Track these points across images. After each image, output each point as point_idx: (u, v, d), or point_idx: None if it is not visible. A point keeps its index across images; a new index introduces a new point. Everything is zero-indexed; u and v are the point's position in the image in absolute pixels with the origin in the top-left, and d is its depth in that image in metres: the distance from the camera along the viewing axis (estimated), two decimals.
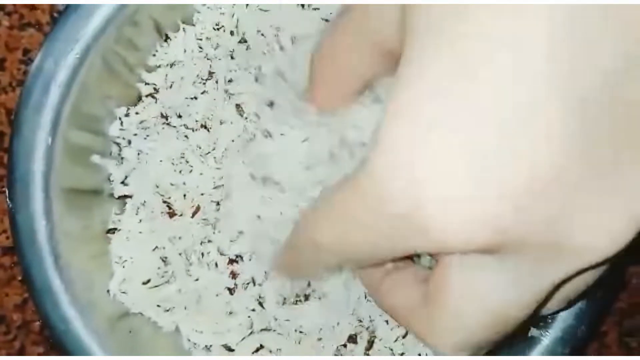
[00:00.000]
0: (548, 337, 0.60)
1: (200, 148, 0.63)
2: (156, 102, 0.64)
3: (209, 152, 0.62)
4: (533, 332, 0.61)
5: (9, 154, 0.59)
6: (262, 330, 0.65)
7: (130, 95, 0.65)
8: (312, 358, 0.64)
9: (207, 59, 0.63)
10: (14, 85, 0.71)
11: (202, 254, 0.64)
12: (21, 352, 0.73)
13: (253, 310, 0.64)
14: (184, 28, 0.63)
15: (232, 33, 0.62)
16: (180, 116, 0.64)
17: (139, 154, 0.64)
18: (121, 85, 0.64)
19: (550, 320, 0.59)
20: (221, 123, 0.62)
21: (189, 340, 0.66)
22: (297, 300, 0.65)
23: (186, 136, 0.63)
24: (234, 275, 0.64)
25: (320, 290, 0.64)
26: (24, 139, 0.59)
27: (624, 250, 0.25)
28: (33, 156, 0.59)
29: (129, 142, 0.65)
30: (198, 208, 0.63)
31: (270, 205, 0.54)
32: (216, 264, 0.64)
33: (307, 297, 0.64)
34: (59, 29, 0.58)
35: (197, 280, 0.64)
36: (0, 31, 0.71)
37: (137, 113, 0.65)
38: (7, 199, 0.59)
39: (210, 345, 0.66)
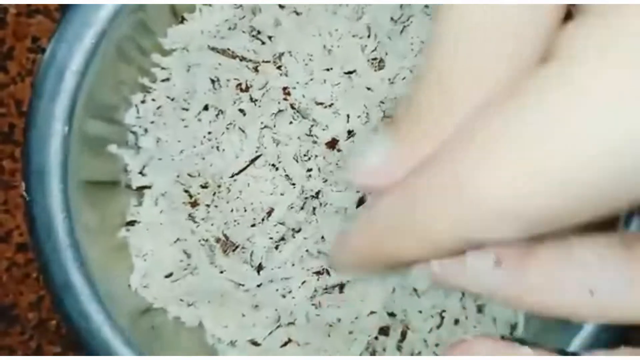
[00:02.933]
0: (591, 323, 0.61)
1: (223, 133, 0.64)
2: (174, 87, 0.65)
3: (229, 137, 0.63)
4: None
5: (24, 145, 0.60)
6: (289, 324, 0.66)
7: (146, 81, 0.66)
8: (333, 358, 0.64)
9: (222, 38, 0.64)
10: (23, 74, 0.73)
11: (227, 245, 0.65)
12: (37, 352, 0.75)
13: (281, 303, 0.65)
14: (200, 9, 0.64)
15: (253, 12, 0.63)
16: (199, 102, 0.65)
17: (157, 141, 0.66)
18: (136, 71, 0.66)
19: None
20: (240, 109, 0.63)
21: (213, 335, 0.68)
22: (327, 292, 0.66)
23: (209, 121, 0.64)
24: (260, 266, 0.65)
25: (354, 281, 0.65)
26: (38, 130, 0.61)
27: None
28: (49, 147, 0.61)
29: (146, 130, 0.66)
30: (219, 196, 0.64)
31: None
32: (244, 253, 0.65)
33: (342, 289, 0.65)
34: (72, 13, 0.59)
35: (221, 272, 0.65)
36: (7, 19, 0.72)
37: (153, 100, 0.66)
38: (24, 192, 0.60)
39: (236, 341, 0.68)
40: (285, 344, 0.66)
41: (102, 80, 0.62)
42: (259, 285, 0.65)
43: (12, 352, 0.73)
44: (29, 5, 0.70)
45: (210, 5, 0.64)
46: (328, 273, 0.65)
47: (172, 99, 0.65)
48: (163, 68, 0.66)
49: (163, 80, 0.66)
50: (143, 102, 0.66)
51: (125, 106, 0.66)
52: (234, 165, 0.64)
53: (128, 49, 0.64)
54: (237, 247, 0.65)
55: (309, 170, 0.64)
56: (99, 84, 0.62)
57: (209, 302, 0.66)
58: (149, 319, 0.66)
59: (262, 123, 0.64)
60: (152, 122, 0.66)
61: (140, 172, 0.67)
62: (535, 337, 0.65)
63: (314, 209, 0.65)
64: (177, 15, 0.65)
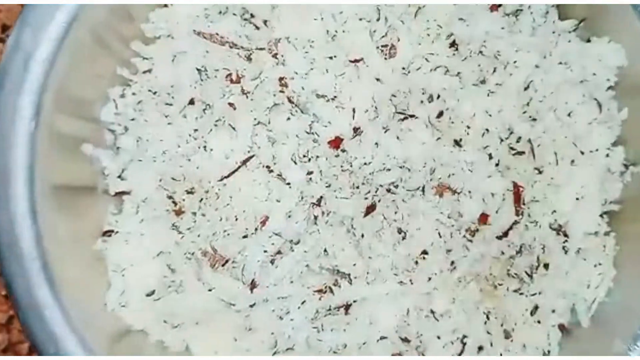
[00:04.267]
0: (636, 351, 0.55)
1: (211, 131, 0.58)
2: (156, 78, 0.60)
3: (217, 135, 0.58)
4: (617, 346, 0.56)
5: None
6: (287, 349, 0.60)
7: (126, 72, 0.60)
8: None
9: (212, 22, 0.59)
10: None
11: (216, 258, 0.59)
12: None
13: (278, 325, 0.59)
14: None
15: None
16: (184, 95, 0.59)
17: (137, 141, 0.60)
18: (114, 61, 0.60)
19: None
20: (229, 103, 0.57)
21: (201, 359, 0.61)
22: (331, 314, 0.60)
23: (195, 117, 0.59)
24: (253, 283, 0.59)
25: (362, 301, 0.59)
26: (1, 126, 0.55)
27: None
28: (13, 146, 0.55)
29: (126, 128, 0.61)
30: (207, 203, 0.59)
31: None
32: (235, 268, 0.59)
33: (347, 309, 0.59)
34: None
35: (210, 290, 0.60)
36: None
37: (133, 94, 0.61)
38: None
39: None
40: None
41: (75, 71, 0.57)
42: (252, 305, 0.59)
43: None
44: None
45: None
46: (332, 291, 0.59)
47: (155, 93, 0.60)
48: (145, 58, 0.61)
49: (145, 72, 0.61)
50: (122, 96, 0.61)
51: (102, 101, 0.61)
52: (223, 168, 0.58)
53: (106, 36, 0.59)
54: (227, 261, 0.59)
55: (309, 173, 0.58)
56: (71, 75, 0.57)
57: (197, 324, 0.60)
58: (128, 343, 0.60)
59: (255, 119, 0.58)
60: (133, 120, 0.60)
61: (119, 176, 0.61)
62: None
63: (316, 218, 0.59)
64: None
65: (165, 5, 0.60)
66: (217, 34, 0.57)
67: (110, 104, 0.61)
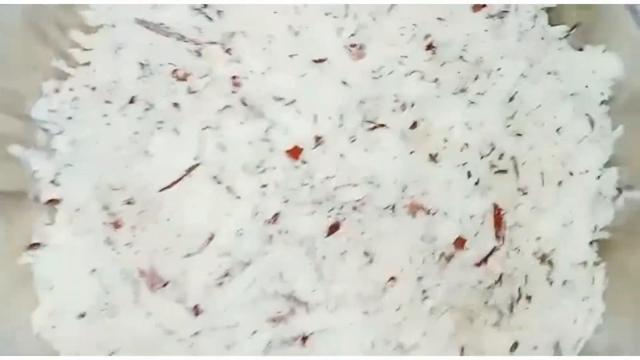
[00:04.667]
0: None
1: (153, 134, 0.52)
2: (95, 72, 0.54)
3: (160, 138, 0.52)
4: None
5: None
6: None
7: (63, 64, 0.55)
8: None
9: (158, 10, 0.53)
10: None
11: (155, 279, 0.53)
12: None
13: (225, 358, 0.53)
14: None
15: None
16: (125, 92, 0.54)
17: (71, 142, 0.55)
18: (51, 53, 0.55)
19: None
20: (174, 103, 0.52)
21: None
22: (286, 345, 0.54)
23: (137, 118, 0.53)
24: (197, 309, 0.53)
25: (322, 332, 0.53)
26: None
27: None
28: None
29: (61, 128, 0.55)
30: (147, 216, 0.53)
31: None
32: (177, 291, 0.53)
33: (304, 340, 0.54)
34: None
35: (149, 314, 0.54)
36: None
37: (70, 89, 0.55)
38: None
39: None
40: None
41: (4, 61, 0.51)
42: (196, 333, 0.53)
43: None
44: None
45: None
46: (287, 320, 0.53)
47: (93, 89, 0.55)
48: (84, 49, 0.55)
49: (83, 65, 0.55)
50: (57, 91, 0.55)
51: (34, 96, 0.55)
52: (165, 176, 0.52)
53: (41, 22, 0.54)
54: (167, 282, 0.53)
55: (264, 186, 0.53)
56: (0, 67, 0.51)
57: (134, 353, 0.54)
58: None
59: (202, 122, 0.53)
60: (70, 118, 0.54)
61: (52, 182, 0.55)
62: None
63: (271, 236, 0.53)
64: None
65: None
66: (162, 24, 0.52)
67: (43, 100, 0.55)
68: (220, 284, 0.53)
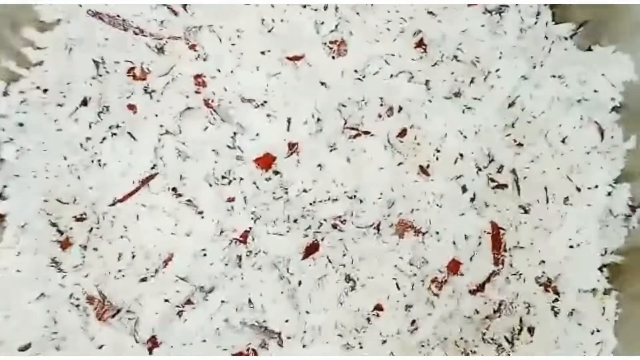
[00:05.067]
0: None
1: (105, 139, 0.46)
2: (46, 73, 0.48)
3: (114, 144, 0.45)
4: None
5: None
6: None
7: (12, 65, 0.48)
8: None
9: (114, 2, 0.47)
10: None
11: (105, 307, 0.45)
12: None
13: None
14: None
15: None
16: (78, 94, 0.47)
17: (18, 150, 0.47)
18: (1, 52, 0.48)
19: None
20: (130, 105, 0.45)
21: None
22: None
23: (89, 123, 0.46)
24: (153, 341, 0.45)
25: None
26: None
27: None
28: None
29: (9, 135, 0.48)
30: (98, 234, 0.45)
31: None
32: (130, 321, 0.45)
33: None
34: None
35: (100, 347, 0.46)
36: None
37: (21, 92, 0.48)
38: None
39: None
40: None
41: None
42: None
43: None
44: None
45: None
46: (256, 354, 0.46)
47: (45, 91, 0.49)
48: (38, 48, 0.49)
49: (36, 65, 0.49)
50: (6, 94, 0.49)
51: None
52: (120, 188, 0.46)
53: None
54: (118, 310, 0.45)
55: (230, 199, 0.46)
56: None
57: None
58: None
59: (161, 126, 0.46)
60: (20, 125, 0.48)
61: (0, 195, 0.48)
62: None
63: (239, 258, 0.46)
64: None
65: None
66: (118, 16, 0.45)
67: None
68: (180, 313, 0.46)
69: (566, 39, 0.51)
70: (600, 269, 0.50)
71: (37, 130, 0.47)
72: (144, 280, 0.45)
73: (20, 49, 0.48)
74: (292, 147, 0.46)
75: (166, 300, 0.45)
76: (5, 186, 0.48)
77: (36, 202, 0.47)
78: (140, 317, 0.45)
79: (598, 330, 0.49)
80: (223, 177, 0.46)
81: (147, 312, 0.45)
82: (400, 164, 0.48)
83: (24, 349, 0.47)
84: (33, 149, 0.47)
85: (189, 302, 0.45)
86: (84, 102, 0.46)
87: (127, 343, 0.45)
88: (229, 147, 0.46)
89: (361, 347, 0.47)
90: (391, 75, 0.48)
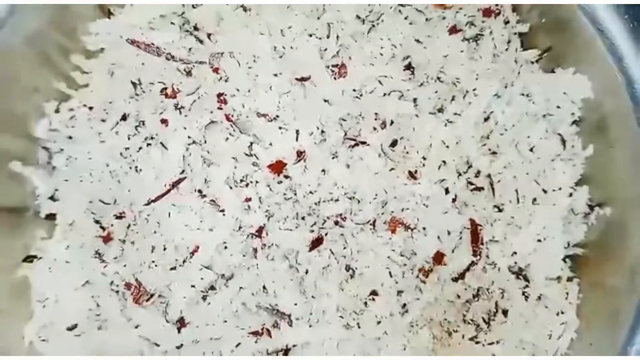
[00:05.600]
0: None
1: (141, 149, 0.47)
2: (92, 93, 0.49)
3: (149, 153, 0.47)
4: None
5: None
6: None
7: (63, 86, 0.50)
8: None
9: (151, 30, 0.48)
10: None
11: (140, 292, 0.47)
12: None
13: None
14: (132, 4, 0.49)
15: (193, 5, 0.48)
16: (118, 110, 0.48)
17: (67, 159, 0.48)
18: (53, 75, 0.49)
19: None
20: (162, 119, 0.47)
21: None
22: (269, 357, 0.48)
23: (128, 135, 0.48)
24: (181, 322, 0.47)
25: (303, 345, 0.47)
26: None
27: None
28: None
29: (60, 146, 0.49)
30: (135, 230, 0.47)
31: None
32: (161, 304, 0.47)
33: (286, 354, 0.48)
34: None
35: (136, 327, 0.47)
36: None
37: (70, 109, 0.49)
38: None
39: None
40: None
41: (7, 84, 0.46)
42: (179, 347, 0.46)
43: None
44: None
45: None
46: (270, 334, 0.47)
47: (91, 109, 0.48)
48: (85, 72, 0.49)
49: (82, 87, 0.49)
50: (57, 111, 0.49)
51: (36, 116, 0.49)
52: (153, 190, 0.46)
53: (46, 48, 0.48)
54: (152, 295, 0.46)
55: (248, 200, 0.46)
56: (2, 88, 0.46)
57: None
58: None
59: (189, 137, 0.46)
60: (70, 138, 0.49)
61: (52, 197, 0.49)
62: None
63: (255, 250, 0.46)
64: (105, 10, 0.50)
65: (110, 14, 0.50)
66: (152, 44, 0.47)
67: (44, 120, 0.49)
68: (204, 297, 0.46)
69: (532, 62, 0.51)
70: (564, 259, 0.49)
71: (83, 141, 0.48)
72: (173, 269, 0.46)
73: (70, 73, 0.49)
74: (300, 154, 0.46)
75: (192, 286, 0.45)
76: (56, 190, 0.48)
77: (83, 203, 0.48)
78: (171, 301, 0.46)
79: (562, 312, 0.49)
80: (241, 181, 0.46)
81: (176, 297, 0.46)
82: (392, 169, 0.47)
83: (71, 328, 0.47)
84: (80, 157, 0.48)
85: (212, 288, 0.46)
86: (124, 118, 0.47)
87: (159, 323, 0.46)
88: (246, 155, 0.46)
89: (359, 327, 0.47)
90: (384, 94, 0.48)
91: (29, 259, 0.49)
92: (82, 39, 0.50)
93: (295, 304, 0.47)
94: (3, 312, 0.46)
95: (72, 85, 0.50)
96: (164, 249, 0.46)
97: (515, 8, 0.51)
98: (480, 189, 0.49)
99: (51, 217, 0.50)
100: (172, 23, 0.47)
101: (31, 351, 0.47)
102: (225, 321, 0.46)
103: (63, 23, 0.48)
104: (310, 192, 0.47)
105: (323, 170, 0.47)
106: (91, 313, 0.47)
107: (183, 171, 0.46)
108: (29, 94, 0.48)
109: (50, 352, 0.47)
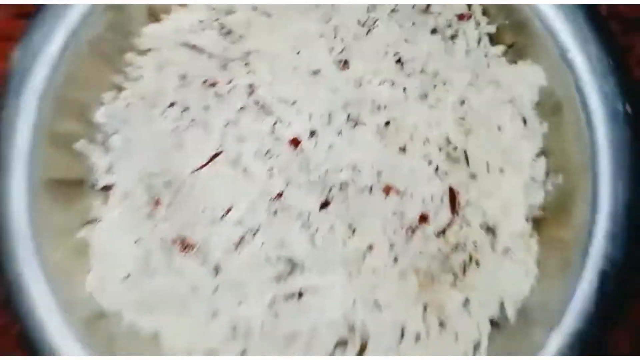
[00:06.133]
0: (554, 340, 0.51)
1: (187, 128, 0.56)
2: (144, 84, 0.57)
3: (192, 132, 0.56)
4: (537, 335, 0.53)
5: None
6: (246, 333, 0.57)
7: (119, 79, 0.58)
8: (307, 358, 0.54)
9: (195, 34, 0.57)
10: None
11: (185, 245, 0.55)
12: None
13: (237, 311, 0.55)
14: (175, 9, 0.58)
15: (227, 12, 0.58)
16: (167, 99, 0.57)
17: (122, 139, 0.56)
18: (111, 70, 0.57)
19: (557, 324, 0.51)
20: (205, 105, 0.55)
21: (169, 345, 0.56)
22: (286, 300, 0.57)
23: (174, 119, 0.56)
24: (217, 268, 0.56)
25: (314, 290, 0.57)
26: (4, 126, 0.53)
27: None
28: (14, 145, 0.52)
29: (116, 129, 0.57)
30: (180, 194, 0.55)
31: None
32: (201, 255, 0.55)
33: (300, 296, 0.57)
34: (40, 13, 0.53)
35: (180, 275, 0.55)
36: None
37: (125, 98, 0.57)
38: None
39: (192, 351, 0.56)
40: (242, 353, 0.56)
41: (74, 79, 0.54)
42: (215, 290, 0.54)
43: None
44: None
45: (185, 5, 0.59)
46: (287, 280, 0.54)
47: (143, 98, 0.56)
48: (138, 67, 0.58)
49: (136, 79, 0.57)
50: (115, 100, 0.57)
51: (96, 104, 0.57)
52: (195, 162, 0.54)
53: (104, 49, 0.56)
54: (194, 247, 0.54)
55: (271, 169, 0.54)
56: (70, 82, 0.53)
57: (167, 309, 0.55)
58: (104, 326, 0.54)
59: (225, 119, 0.54)
60: (124, 121, 0.58)
61: (107, 171, 0.57)
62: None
63: (275, 211, 0.54)
64: (154, 15, 0.59)
65: (157, 21, 0.59)
66: (195, 45, 0.56)
67: (103, 107, 0.57)
68: (236, 248, 0.54)
69: (499, 56, 0.58)
70: (526, 220, 0.56)
71: (136, 124, 0.55)
72: (211, 225, 0.53)
73: (124, 69, 0.57)
74: (312, 133, 0.54)
75: (227, 239, 0.53)
76: (112, 165, 0.56)
77: (135, 174, 0.55)
78: (208, 252, 0.53)
79: (524, 263, 0.56)
80: (266, 154, 0.54)
81: (213, 248, 0.53)
82: (385, 145, 0.54)
83: (126, 277, 0.55)
84: (133, 137, 0.55)
85: (242, 239, 0.53)
86: (171, 105, 0.54)
87: (199, 271, 0.53)
88: (270, 133, 0.54)
89: (359, 276, 0.54)
90: (379, 84, 0.55)
91: (91, 222, 0.56)
92: (135, 40, 0.57)
93: (307, 256, 0.54)
94: (68, 268, 0.53)
95: (127, 79, 0.57)
96: (203, 209, 0.53)
97: (485, 11, 0.58)
98: (457, 160, 0.56)
99: (106, 188, 0.57)
100: (213, 29, 0.56)
101: (91, 299, 0.55)
102: (252, 268, 0.53)
103: (119, 27, 0.56)
104: (320, 163, 0.54)
105: (330, 146, 0.54)
106: (142, 265, 0.54)
107: (220, 146, 0.54)
108: (92, 86, 0.56)
109: (107, 299, 0.55)
